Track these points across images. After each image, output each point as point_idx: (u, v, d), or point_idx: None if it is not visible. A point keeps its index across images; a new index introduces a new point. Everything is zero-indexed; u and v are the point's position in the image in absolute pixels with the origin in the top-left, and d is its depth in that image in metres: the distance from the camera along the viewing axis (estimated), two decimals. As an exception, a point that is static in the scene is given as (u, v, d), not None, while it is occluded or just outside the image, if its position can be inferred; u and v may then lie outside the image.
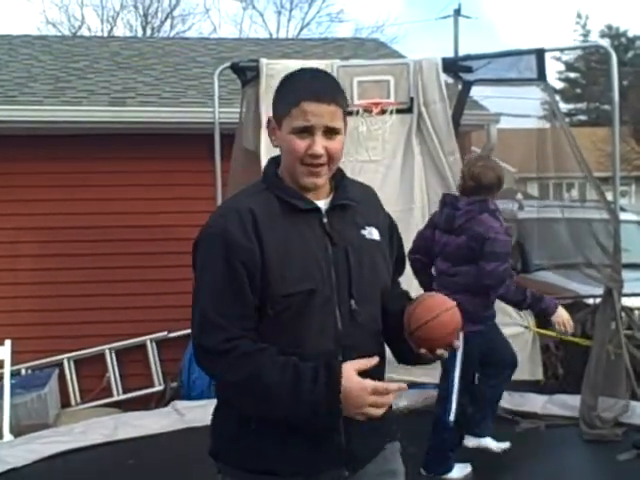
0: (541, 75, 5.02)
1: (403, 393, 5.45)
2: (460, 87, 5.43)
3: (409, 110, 5.25)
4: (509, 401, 5.42)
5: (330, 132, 1.89)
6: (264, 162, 5.27)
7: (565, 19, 67.94)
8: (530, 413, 5.27)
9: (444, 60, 5.26)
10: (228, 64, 5.42)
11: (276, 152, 2.01)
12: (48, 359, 6.83)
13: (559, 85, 40.52)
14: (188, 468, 4.25)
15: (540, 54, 5.00)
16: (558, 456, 4.65)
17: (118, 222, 6.91)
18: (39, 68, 8.17)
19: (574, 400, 5.35)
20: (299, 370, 1.80)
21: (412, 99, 5.23)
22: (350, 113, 5.25)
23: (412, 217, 5.29)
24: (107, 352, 6.92)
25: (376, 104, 5.20)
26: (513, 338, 5.40)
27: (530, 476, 4.46)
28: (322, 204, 1.96)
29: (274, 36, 26.48)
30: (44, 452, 4.54)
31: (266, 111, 5.19)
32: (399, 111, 5.24)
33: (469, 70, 5.22)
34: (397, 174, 5.30)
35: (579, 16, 42.64)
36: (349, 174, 2.05)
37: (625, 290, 5.04)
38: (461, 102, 5.40)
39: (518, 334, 5.41)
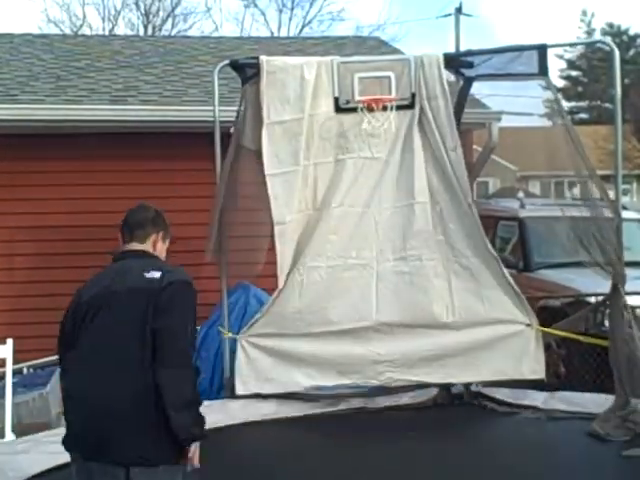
0: (543, 70, 5.01)
1: (405, 391, 5.45)
2: (461, 83, 5.41)
3: (410, 106, 5.22)
4: (510, 396, 5.38)
5: None
6: (266, 161, 5.24)
7: (568, 18, 67.84)
8: (531, 406, 5.26)
9: (445, 55, 5.24)
10: (228, 61, 5.40)
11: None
12: (50, 358, 6.82)
13: (561, 83, 40.48)
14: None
15: (542, 50, 4.99)
16: (559, 449, 4.61)
17: (119, 220, 6.88)
18: (40, 67, 8.17)
19: (576, 397, 5.33)
20: None
21: (414, 95, 5.20)
22: (353, 110, 5.24)
23: (413, 213, 5.27)
24: (108, 351, 6.90)
25: (377, 100, 5.18)
26: (514, 336, 5.40)
27: (532, 468, 4.40)
28: None
29: (275, 34, 26.50)
30: (47, 462, 4.47)
31: (267, 108, 5.20)
32: (400, 107, 5.22)
33: (470, 66, 5.18)
34: (395, 170, 5.27)
35: (584, 14, 42.34)
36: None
37: (626, 288, 5.03)
38: (462, 98, 5.36)
39: (519, 332, 5.38)
